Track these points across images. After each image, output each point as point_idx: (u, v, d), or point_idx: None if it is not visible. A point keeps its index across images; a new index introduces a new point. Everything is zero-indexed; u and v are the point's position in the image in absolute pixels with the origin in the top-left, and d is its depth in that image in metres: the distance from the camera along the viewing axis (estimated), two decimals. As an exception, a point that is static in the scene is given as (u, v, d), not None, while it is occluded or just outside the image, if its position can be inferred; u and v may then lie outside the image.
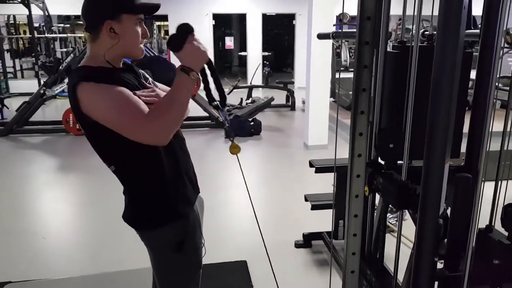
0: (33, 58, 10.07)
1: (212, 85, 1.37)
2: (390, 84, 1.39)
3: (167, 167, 1.38)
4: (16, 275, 2.68)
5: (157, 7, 1.36)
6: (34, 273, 2.73)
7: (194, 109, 6.19)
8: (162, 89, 1.46)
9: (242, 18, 12.11)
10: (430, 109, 1.10)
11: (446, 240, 1.36)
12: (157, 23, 14.63)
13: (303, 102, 8.40)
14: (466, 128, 1.40)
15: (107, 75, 1.28)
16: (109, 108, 1.24)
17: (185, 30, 1.23)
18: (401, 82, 1.33)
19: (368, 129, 1.40)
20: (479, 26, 1.36)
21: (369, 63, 1.29)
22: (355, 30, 1.38)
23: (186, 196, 1.46)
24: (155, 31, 13.74)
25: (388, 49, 1.42)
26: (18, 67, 12.39)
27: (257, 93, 9.40)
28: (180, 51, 1.24)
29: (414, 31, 1.19)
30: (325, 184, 3.80)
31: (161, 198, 1.41)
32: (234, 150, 1.43)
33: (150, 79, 1.48)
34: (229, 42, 13.81)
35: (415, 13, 1.18)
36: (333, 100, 8.24)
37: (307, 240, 3.02)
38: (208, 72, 1.33)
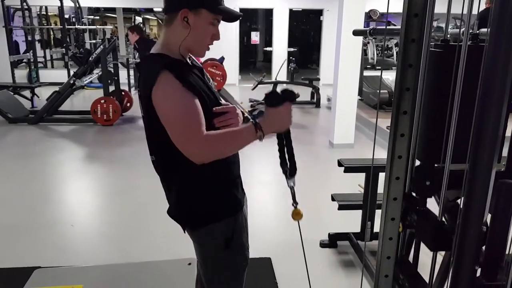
0: (63, 49, 10.29)
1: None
2: (432, 84, 1.34)
3: (226, 166, 1.41)
4: (44, 260, 2.75)
5: (238, 16, 1.37)
6: (61, 259, 2.79)
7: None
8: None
9: (268, 13, 12.04)
10: (479, 111, 1.05)
11: (484, 247, 1.31)
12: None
13: (328, 99, 8.30)
14: (508, 132, 1.35)
15: (187, 72, 1.29)
16: (175, 111, 1.24)
17: (290, 96, 1.31)
18: (444, 82, 1.28)
19: (410, 130, 1.35)
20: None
21: (415, 61, 1.24)
22: (397, 26, 1.33)
23: (237, 198, 1.47)
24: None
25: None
26: (48, 57, 12.71)
27: (282, 89, 9.33)
28: (272, 108, 1.30)
29: (462, 30, 1.14)
30: (351, 183, 3.74)
31: (213, 196, 1.42)
32: (296, 217, 1.44)
33: (207, 76, 1.47)
34: (255, 37, 13.78)
35: (466, 11, 1.13)
36: (360, 98, 8.11)
37: (333, 240, 2.98)
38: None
